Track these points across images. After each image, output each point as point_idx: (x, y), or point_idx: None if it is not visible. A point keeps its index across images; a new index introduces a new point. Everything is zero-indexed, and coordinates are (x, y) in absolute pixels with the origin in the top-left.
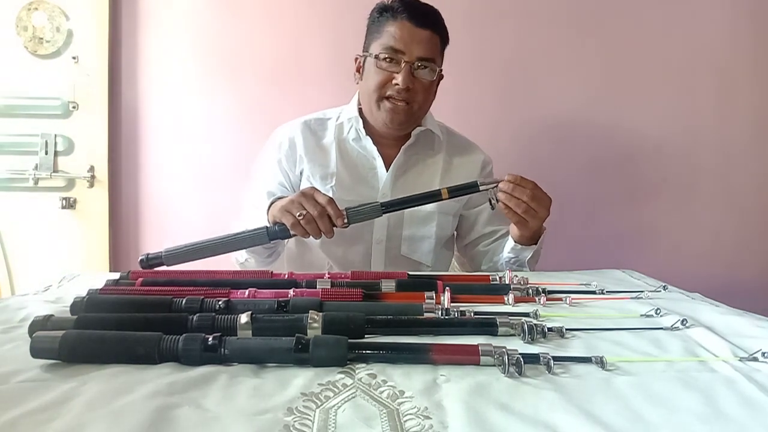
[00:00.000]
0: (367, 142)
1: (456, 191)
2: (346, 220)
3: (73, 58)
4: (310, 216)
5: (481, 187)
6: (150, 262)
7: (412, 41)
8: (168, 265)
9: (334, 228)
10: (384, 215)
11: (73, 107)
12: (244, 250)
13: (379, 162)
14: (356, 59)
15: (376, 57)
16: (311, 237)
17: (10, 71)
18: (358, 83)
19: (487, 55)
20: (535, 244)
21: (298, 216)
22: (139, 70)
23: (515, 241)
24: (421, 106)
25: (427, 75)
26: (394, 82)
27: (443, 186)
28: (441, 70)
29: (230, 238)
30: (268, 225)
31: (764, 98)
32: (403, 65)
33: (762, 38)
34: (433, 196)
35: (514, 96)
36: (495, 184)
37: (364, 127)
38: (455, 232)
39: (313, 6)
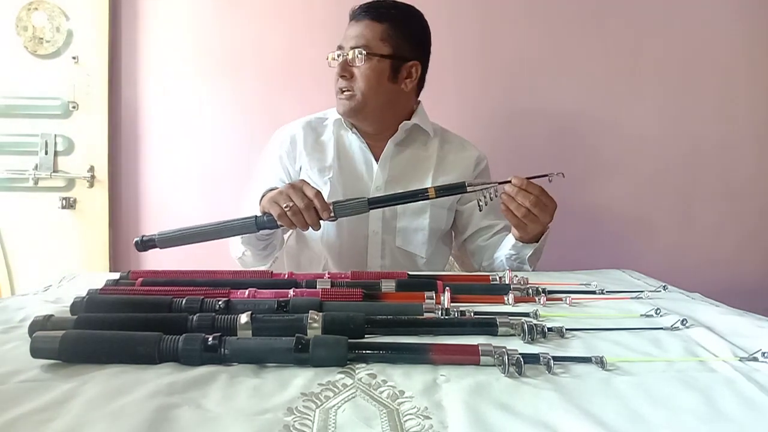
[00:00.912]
0: (357, 135)
1: (443, 191)
2: (332, 214)
3: (73, 58)
4: (297, 208)
5: (468, 188)
6: (145, 244)
7: (350, 35)
8: (161, 248)
9: (331, 222)
10: (378, 209)
11: (73, 107)
12: (240, 244)
13: (370, 155)
14: None
15: (329, 57)
16: (301, 229)
17: (10, 71)
18: None
19: (487, 55)
20: (537, 242)
21: (285, 207)
22: (139, 70)
23: (516, 239)
24: (366, 93)
25: (357, 61)
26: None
27: (436, 181)
28: (386, 55)
29: (221, 225)
30: (258, 215)
31: (765, 98)
32: (340, 58)
33: (762, 38)
34: (420, 195)
35: (515, 95)
36: (484, 186)
37: (352, 124)
38: (453, 230)
39: (313, 6)
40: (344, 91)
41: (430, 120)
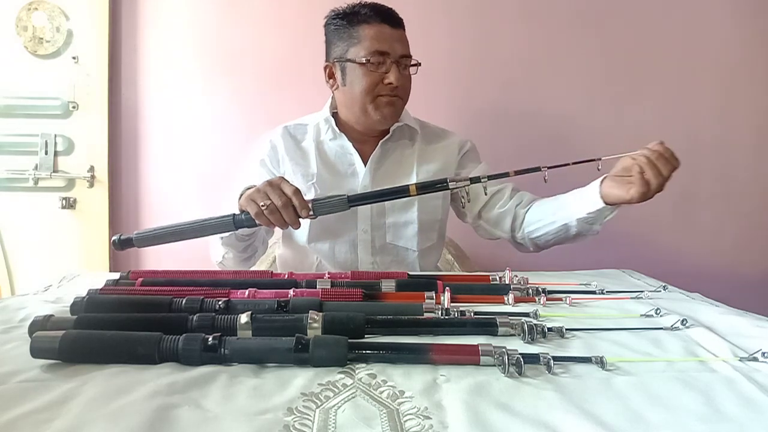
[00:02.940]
0: (343, 139)
1: (424, 188)
2: (311, 212)
3: (73, 58)
4: (274, 206)
5: (450, 185)
6: (122, 243)
7: (393, 41)
8: (138, 247)
9: (313, 220)
10: (366, 207)
11: (73, 107)
12: (221, 246)
13: (357, 158)
14: (327, 68)
15: (367, 62)
16: (281, 228)
17: (10, 71)
18: (335, 89)
19: (488, 55)
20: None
21: (262, 206)
22: (139, 70)
23: (607, 202)
24: (407, 99)
25: (411, 70)
26: (386, 81)
27: (419, 172)
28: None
29: (199, 224)
30: (236, 213)
31: (765, 99)
32: (390, 64)
33: (763, 39)
34: (400, 192)
35: (515, 95)
36: (466, 183)
37: (337, 126)
38: (461, 211)
39: (314, 6)
40: (394, 97)
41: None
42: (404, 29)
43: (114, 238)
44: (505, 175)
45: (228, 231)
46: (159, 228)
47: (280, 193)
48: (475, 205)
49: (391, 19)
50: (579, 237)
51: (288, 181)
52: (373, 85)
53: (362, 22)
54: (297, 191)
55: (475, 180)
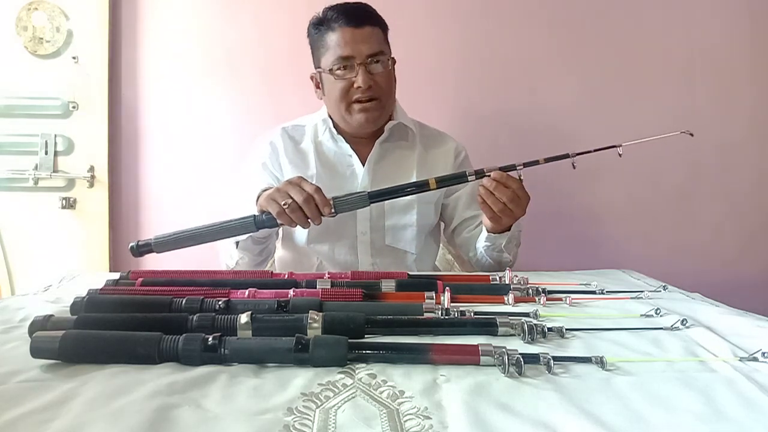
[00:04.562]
0: (341, 141)
1: (444, 181)
2: (333, 210)
3: (73, 58)
4: (296, 204)
5: (469, 178)
6: (140, 249)
7: (356, 43)
8: (157, 252)
9: (319, 221)
10: (365, 208)
11: (73, 107)
12: (236, 250)
13: (355, 159)
14: (312, 77)
15: (330, 70)
16: (302, 227)
17: (10, 71)
18: (321, 99)
19: (487, 55)
20: (509, 230)
21: (283, 204)
22: (139, 70)
23: (488, 231)
24: (388, 97)
25: (380, 68)
26: (356, 85)
27: (420, 178)
28: (392, 57)
29: (218, 227)
30: (256, 214)
31: (762, 97)
32: (357, 67)
33: (760, 38)
34: (420, 186)
35: (514, 96)
36: (484, 175)
37: (335, 128)
38: (442, 223)
39: (314, 6)
40: (372, 100)
41: (408, 116)
42: (373, 24)
43: (132, 244)
44: (512, 168)
45: (249, 232)
46: (177, 232)
47: (301, 190)
48: (451, 224)
49: (353, 18)
50: (501, 265)
51: (307, 180)
52: (344, 92)
53: (328, 29)
54: (318, 189)
55: (481, 174)
